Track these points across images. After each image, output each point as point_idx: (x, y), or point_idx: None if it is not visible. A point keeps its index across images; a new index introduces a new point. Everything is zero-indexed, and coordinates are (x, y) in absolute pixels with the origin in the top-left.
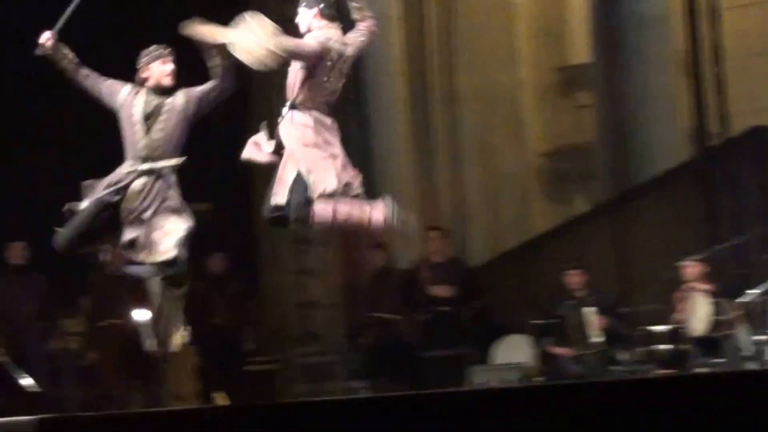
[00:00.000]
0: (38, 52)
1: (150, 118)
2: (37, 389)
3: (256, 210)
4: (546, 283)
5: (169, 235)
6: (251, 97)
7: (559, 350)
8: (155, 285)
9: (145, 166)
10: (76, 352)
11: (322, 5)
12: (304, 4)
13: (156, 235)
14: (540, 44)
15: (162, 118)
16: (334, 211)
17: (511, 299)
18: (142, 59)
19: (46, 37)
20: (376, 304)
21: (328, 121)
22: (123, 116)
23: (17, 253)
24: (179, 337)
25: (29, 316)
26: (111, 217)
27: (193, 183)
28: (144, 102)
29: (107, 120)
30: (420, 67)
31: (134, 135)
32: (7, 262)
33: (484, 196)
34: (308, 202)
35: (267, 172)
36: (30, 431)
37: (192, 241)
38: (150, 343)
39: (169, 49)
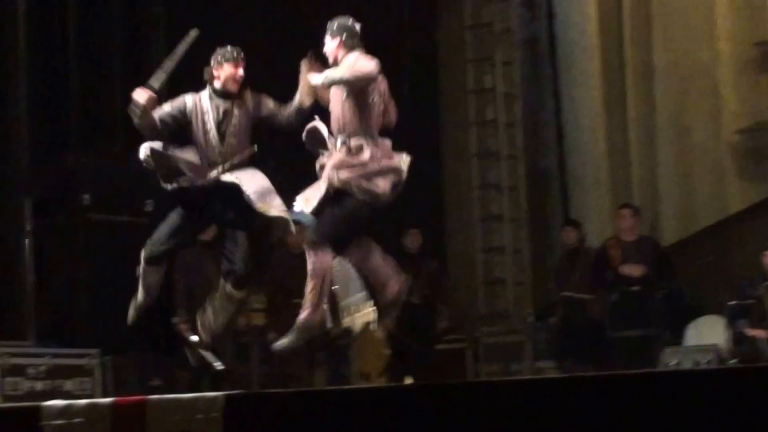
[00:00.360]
0: (135, 110)
1: (222, 124)
2: (223, 366)
3: (444, 186)
4: (741, 263)
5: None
6: (441, 69)
7: (754, 332)
8: (334, 262)
9: (226, 166)
10: (261, 329)
11: (344, 35)
12: (328, 33)
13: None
14: (739, 18)
15: (234, 122)
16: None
17: (705, 279)
18: (218, 56)
19: (144, 96)
20: (565, 282)
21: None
22: (194, 124)
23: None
24: (363, 315)
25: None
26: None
27: None
28: (214, 107)
29: None
30: (615, 42)
31: (209, 142)
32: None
33: (678, 174)
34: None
35: (459, 145)
36: (216, 407)
37: (386, 218)
38: (333, 322)
39: (243, 54)
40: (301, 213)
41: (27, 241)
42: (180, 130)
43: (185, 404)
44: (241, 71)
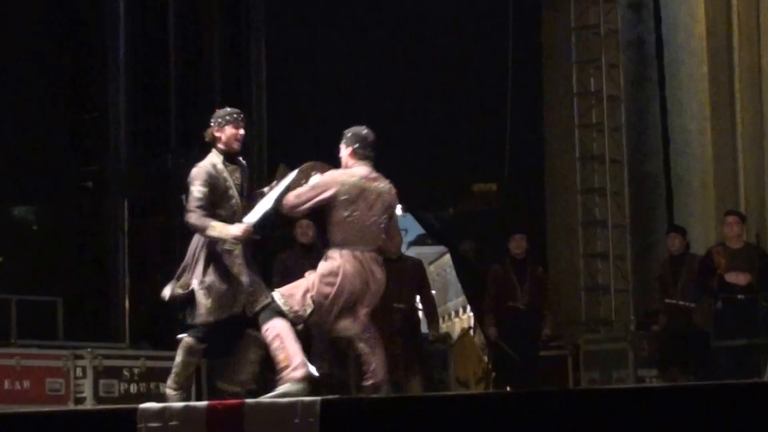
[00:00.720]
0: (233, 242)
1: (242, 190)
2: (319, 371)
3: (546, 190)
4: None
5: None
6: (545, 71)
7: None
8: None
9: None
10: None
11: (356, 145)
12: (343, 141)
13: None
14: None
15: (246, 185)
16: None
17: None
18: (218, 119)
19: (243, 229)
20: (669, 290)
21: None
22: (218, 190)
23: (304, 231)
24: (461, 321)
25: None
26: None
27: (482, 164)
28: (231, 176)
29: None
30: (723, 44)
31: (234, 207)
32: (295, 239)
33: None
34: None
35: (562, 149)
36: (313, 412)
37: (489, 223)
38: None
39: (243, 115)
40: None
41: (124, 241)
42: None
43: (283, 408)
44: (242, 130)
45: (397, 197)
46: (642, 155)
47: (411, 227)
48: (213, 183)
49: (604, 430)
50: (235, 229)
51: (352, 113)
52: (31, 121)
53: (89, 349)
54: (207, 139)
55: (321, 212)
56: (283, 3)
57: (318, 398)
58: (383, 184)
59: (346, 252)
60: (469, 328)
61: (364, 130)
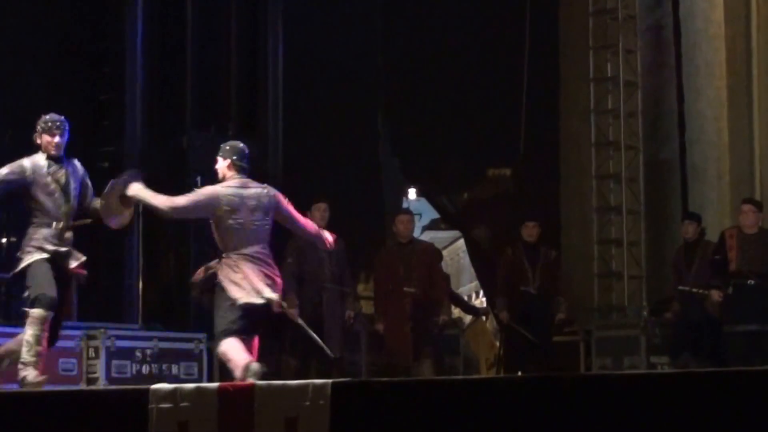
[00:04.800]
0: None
1: (65, 186)
2: (331, 354)
3: (561, 175)
4: None
5: None
6: (562, 56)
7: None
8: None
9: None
10: (369, 317)
11: (234, 157)
12: (220, 153)
13: None
14: None
15: (73, 186)
16: None
17: None
18: (38, 126)
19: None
20: (682, 277)
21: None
22: (36, 185)
23: (320, 214)
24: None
25: (329, 279)
26: None
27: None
28: (52, 173)
29: None
30: (741, 30)
31: (55, 202)
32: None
33: None
34: None
35: (578, 134)
36: (324, 395)
37: (503, 208)
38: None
39: (60, 123)
40: None
41: (138, 222)
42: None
43: (293, 391)
44: (57, 138)
45: (280, 197)
46: (658, 141)
47: (425, 211)
48: (21, 173)
49: (615, 416)
50: None
51: (367, 98)
52: (48, 103)
53: (102, 330)
54: (35, 146)
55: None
56: None
57: (329, 381)
58: (260, 189)
59: (239, 254)
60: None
61: (240, 144)
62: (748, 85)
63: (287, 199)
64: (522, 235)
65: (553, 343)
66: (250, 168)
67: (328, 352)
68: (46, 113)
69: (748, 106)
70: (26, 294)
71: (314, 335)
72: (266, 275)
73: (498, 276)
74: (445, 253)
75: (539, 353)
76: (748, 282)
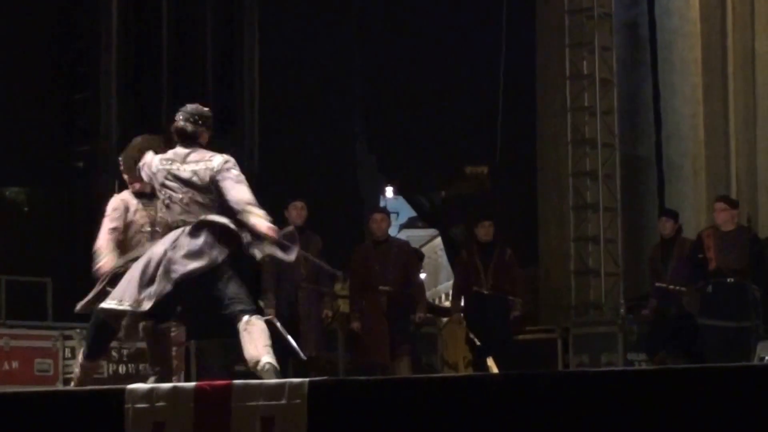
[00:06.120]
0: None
1: None
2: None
3: (538, 173)
4: None
5: None
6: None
7: None
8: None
9: None
10: (346, 316)
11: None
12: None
13: None
14: None
15: None
16: None
17: None
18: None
19: None
20: (659, 273)
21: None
22: None
23: (297, 212)
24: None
25: (305, 278)
26: None
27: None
28: None
29: None
30: (717, 28)
31: None
32: (287, 221)
33: None
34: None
35: (554, 132)
36: (300, 393)
37: (467, 209)
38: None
39: None
40: None
41: None
42: None
43: (270, 390)
44: None
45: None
46: (634, 139)
47: (402, 210)
48: None
49: (593, 413)
50: None
51: (343, 97)
52: (22, 102)
53: (78, 330)
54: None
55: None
56: None
57: (306, 380)
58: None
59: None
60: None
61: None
62: (723, 83)
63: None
64: (477, 234)
65: (529, 340)
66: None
67: (301, 354)
68: (20, 113)
69: (723, 103)
70: None
71: (288, 336)
72: None
73: (454, 278)
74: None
75: (500, 352)
76: (728, 280)
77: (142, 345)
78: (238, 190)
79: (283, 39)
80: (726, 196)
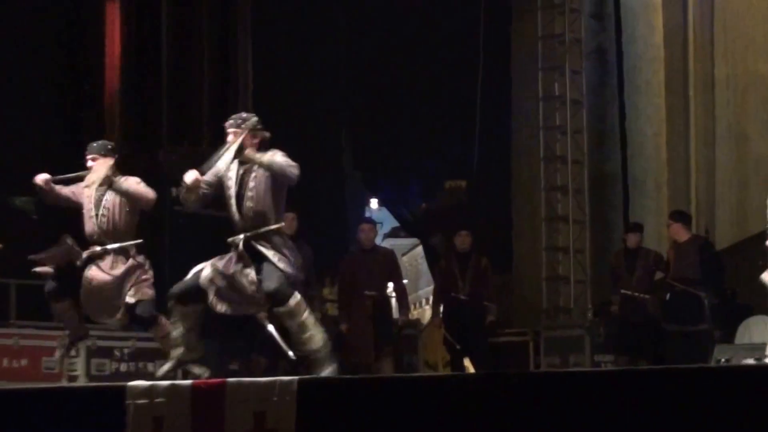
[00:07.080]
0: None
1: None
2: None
3: (512, 187)
4: None
5: None
6: (514, 76)
7: None
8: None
9: None
10: (333, 318)
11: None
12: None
13: None
14: None
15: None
16: None
17: (757, 281)
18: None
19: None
20: (623, 281)
21: None
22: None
23: (288, 223)
24: (430, 309)
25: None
26: None
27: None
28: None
29: None
30: (679, 54)
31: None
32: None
33: (734, 181)
34: None
35: (524, 152)
36: (290, 391)
37: (446, 220)
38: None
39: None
40: None
41: None
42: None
43: (262, 387)
44: None
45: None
46: (601, 156)
47: (386, 220)
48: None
49: (562, 411)
50: (187, 176)
51: (331, 115)
52: (31, 117)
53: None
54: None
55: None
56: (269, 3)
57: (295, 378)
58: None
59: None
60: (436, 315)
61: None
62: (685, 104)
63: None
64: (456, 243)
65: (502, 343)
66: None
67: (291, 356)
68: (29, 128)
69: (685, 123)
70: None
71: (280, 339)
72: None
73: (434, 284)
74: (404, 258)
75: (476, 356)
76: (679, 288)
77: (142, 345)
78: None
79: (275, 59)
80: (675, 210)
